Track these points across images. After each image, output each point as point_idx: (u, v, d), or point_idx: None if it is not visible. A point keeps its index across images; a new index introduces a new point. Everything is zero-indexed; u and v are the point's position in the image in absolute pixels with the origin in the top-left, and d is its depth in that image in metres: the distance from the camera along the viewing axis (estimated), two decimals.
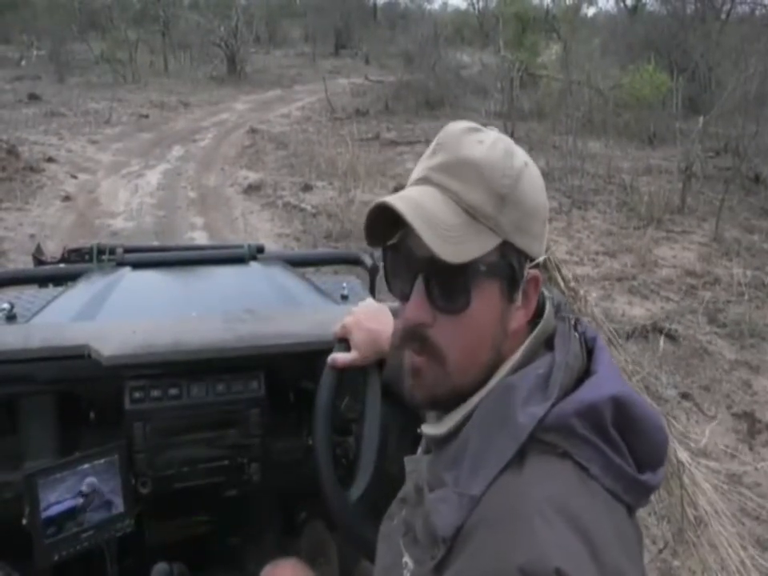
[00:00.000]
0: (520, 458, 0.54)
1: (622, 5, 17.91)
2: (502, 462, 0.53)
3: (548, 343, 0.60)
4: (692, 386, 3.13)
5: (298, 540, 1.16)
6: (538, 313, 0.62)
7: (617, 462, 0.54)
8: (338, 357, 0.90)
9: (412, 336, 0.60)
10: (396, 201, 0.58)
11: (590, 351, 0.61)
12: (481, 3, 25.70)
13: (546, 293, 0.64)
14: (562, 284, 0.53)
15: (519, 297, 0.59)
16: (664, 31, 11.94)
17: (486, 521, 0.51)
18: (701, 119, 6.48)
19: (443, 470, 0.58)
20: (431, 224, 0.56)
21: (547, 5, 16.32)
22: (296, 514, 1.26)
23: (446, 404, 0.62)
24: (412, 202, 0.57)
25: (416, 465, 0.66)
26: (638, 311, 4.02)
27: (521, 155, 0.61)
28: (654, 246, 5.20)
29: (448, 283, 0.57)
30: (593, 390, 0.55)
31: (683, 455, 1.33)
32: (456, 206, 0.57)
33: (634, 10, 16.86)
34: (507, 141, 0.61)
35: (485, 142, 0.59)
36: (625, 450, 0.55)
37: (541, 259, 0.59)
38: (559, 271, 0.52)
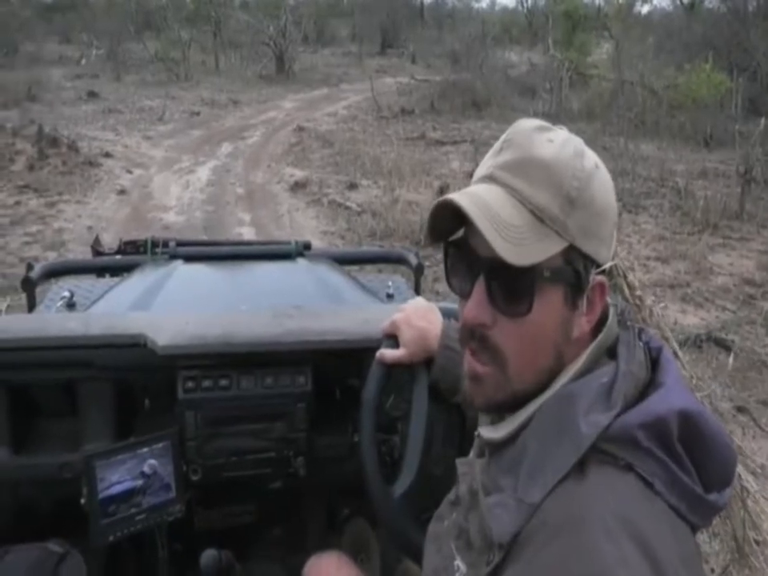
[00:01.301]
0: (581, 467, 0.52)
1: (678, 2, 17.34)
2: (562, 471, 0.52)
3: (611, 352, 0.58)
4: (749, 400, 3.00)
5: (340, 536, 1.16)
6: (602, 320, 0.60)
7: (683, 478, 0.52)
8: (387, 353, 0.89)
9: (471, 335, 0.59)
10: (461, 198, 0.56)
11: (654, 362, 0.59)
12: (530, 1, 25.33)
13: (609, 300, 0.61)
14: (627, 292, 0.51)
15: (584, 304, 0.57)
16: (723, 29, 11.48)
17: (546, 528, 0.50)
18: (762, 121, 6.20)
19: (500, 475, 0.57)
20: (495, 224, 0.54)
21: (598, 3, 15.98)
22: (339, 510, 1.27)
23: (504, 408, 0.61)
24: (478, 199, 0.56)
25: (469, 467, 0.65)
26: (692, 320, 3.88)
27: (591, 156, 0.59)
28: (709, 252, 5.01)
29: (510, 286, 0.56)
30: (660, 403, 0.53)
31: (745, 474, 1.27)
32: (522, 206, 0.56)
33: (691, 7, 16.27)
34: (577, 141, 0.59)
35: (555, 141, 0.57)
36: (691, 467, 0.53)
37: (608, 265, 0.57)
38: (625, 278, 0.50)
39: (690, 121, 9.07)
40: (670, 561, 0.47)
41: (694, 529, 0.54)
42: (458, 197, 0.57)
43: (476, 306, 0.57)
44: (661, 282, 4.40)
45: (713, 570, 1.74)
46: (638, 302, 0.50)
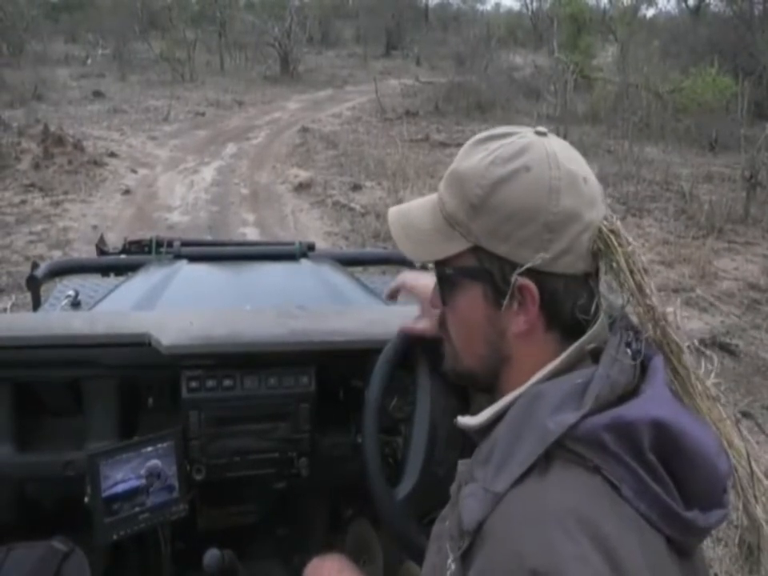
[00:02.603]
0: (547, 463, 0.53)
1: (683, 6, 17.32)
2: (526, 464, 0.53)
3: (596, 356, 0.58)
4: (753, 405, 2.99)
5: (343, 536, 1.17)
6: (586, 323, 0.60)
7: (653, 487, 0.51)
8: (415, 325, 0.89)
9: (440, 318, 0.69)
10: (392, 210, 0.69)
11: (644, 370, 0.58)
12: (535, 4, 25.31)
13: (604, 303, 0.61)
14: (637, 295, 0.51)
15: (513, 303, 0.59)
16: (729, 33, 11.47)
17: (505, 520, 0.51)
18: None
19: (476, 466, 0.58)
20: (405, 228, 0.66)
21: (604, 6, 15.96)
22: (342, 511, 1.27)
23: (473, 384, 0.67)
24: (406, 207, 0.69)
25: (466, 467, 0.67)
26: (696, 324, 3.87)
27: (520, 161, 0.59)
28: (714, 256, 5.00)
29: (437, 279, 0.66)
30: (632, 409, 0.52)
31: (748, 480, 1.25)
32: (439, 212, 0.64)
33: (697, 11, 16.25)
34: (512, 149, 0.60)
35: (483, 152, 0.61)
36: (667, 479, 0.52)
37: (530, 264, 0.57)
38: (634, 280, 0.49)
39: (695, 124, 9.05)
40: (633, 565, 0.47)
41: (674, 542, 0.52)
42: (392, 209, 0.69)
43: (433, 294, 0.71)
44: (665, 287, 4.39)
45: (716, 575, 1.73)
46: (648, 303, 0.50)
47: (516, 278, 0.58)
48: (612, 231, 0.59)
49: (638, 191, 6.51)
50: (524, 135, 0.62)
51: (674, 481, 0.52)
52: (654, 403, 0.53)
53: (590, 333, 0.58)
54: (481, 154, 0.61)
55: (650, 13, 20.27)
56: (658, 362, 0.58)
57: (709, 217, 5.74)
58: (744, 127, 7.66)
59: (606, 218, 0.60)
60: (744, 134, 7.26)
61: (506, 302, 0.59)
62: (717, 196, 6.18)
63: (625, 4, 14.43)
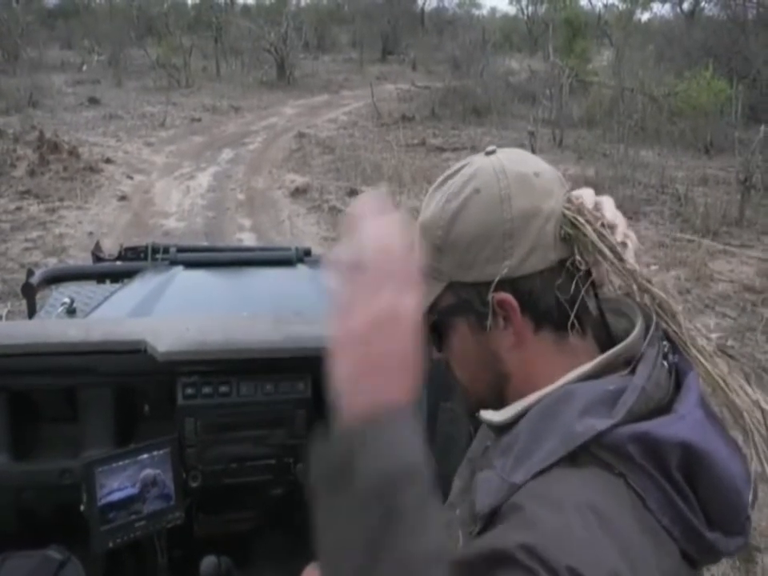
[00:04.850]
0: (572, 461, 0.52)
1: (678, 10, 17.43)
2: (547, 462, 0.52)
3: (633, 367, 0.56)
4: None
5: None
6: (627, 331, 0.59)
7: (678, 503, 0.50)
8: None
9: (444, 364, 0.68)
10: None
11: (678, 386, 0.57)
12: (530, 9, 25.45)
13: (639, 312, 0.60)
14: (648, 301, 0.50)
15: (498, 320, 0.59)
16: (723, 37, 11.53)
17: (523, 498, 0.50)
18: (762, 128, 6.22)
19: (495, 456, 0.58)
20: None
21: (599, 10, 16.05)
22: None
23: (484, 408, 0.64)
24: None
25: (474, 454, 0.68)
26: (700, 329, 3.88)
27: (470, 188, 0.60)
28: (709, 259, 5.01)
29: (429, 332, 0.64)
30: (662, 428, 0.51)
31: None
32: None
33: (692, 15, 16.36)
34: (461, 180, 0.61)
35: (439, 195, 0.62)
36: (691, 497, 0.51)
37: (498, 278, 0.57)
38: (641, 285, 0.49)
39: (690, 128, 9.09)
40: (645, 564, 0.47)
41: (690, 560, 0.52)
42: None
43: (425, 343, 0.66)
44: (661, 290, 4.40)
45: None
46: (628, 267, 0.49)
47: (492, 296, 0.58)
48: (577, 211, 0.59)
49: (633, 194, 6.53)
50: (472, 163, 0.63)
51: (698, 503, 0.51)
52: (684, 424, 0.52)
53: (627, 343, 0.57)
54: (437, 197, 0.63)
55: (645, 17, 20.35)
56: (692, 378, 0.56)
57: (704, 219, 5.76)
58: (738, 130, 7.70)
59: (569, 200, 0.60)
60: (738, 137, 7.30)
61: (490, 323, 0.59)
62: (712, 199, 6.21)
63: (620, 8, 14.52)
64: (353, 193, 6.57)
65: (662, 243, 5.36)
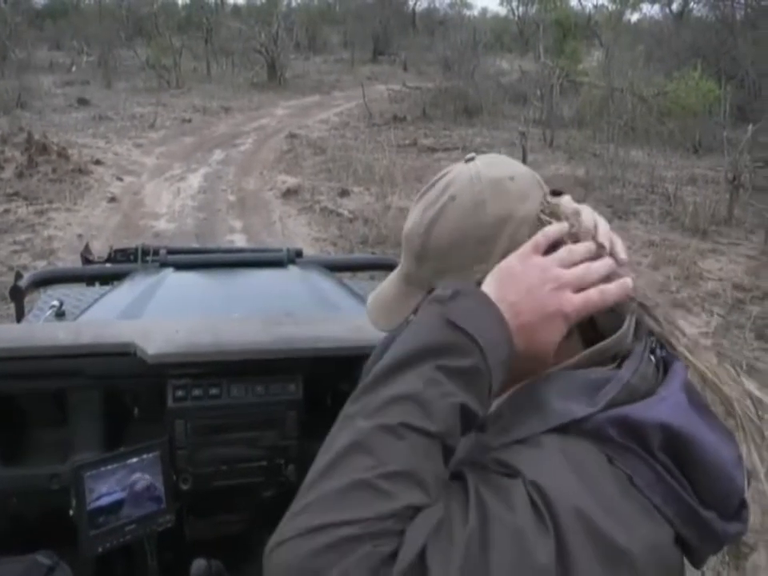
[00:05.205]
0: (554, 431, 0.52)
1: (667, 11, 17.55)
2: (526, 434, 0.52)
3: (620, 363, 0.56)
4: None
5: None
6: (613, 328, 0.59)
7: (667, 479, 0.49)
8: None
9: None
10: (373, 294, 0.70)
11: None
12: (521, 9, 25.54)
13: (628, 311, 0.59)
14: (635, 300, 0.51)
15: None
16: (712, 38, 11.64)
17: (502, 451, 0.51)
18: (750, 128, 6.27)
19: (480, 437, 0.58)
20: (376, 304, 0.68)
21: (589, 11, 16.14)
22: None
23: None
24: (377, 289, 0.70)
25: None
26: (682, 325, 3.91)
27: (446, 195, 0.61)
28: (698, 258, 5.05)
29: None
30: (642, 410, 0.51)
31: None
32: (402, 276, 0.67)
33: (680, 15, 16.48)
34: (439, 188, 0.62)
35: (419, 205, 0.64)
36: (681, 476, 0.50)
37: (477, 279, 0.57)
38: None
39: (679, 128, 9.15)
40: (626, 518, 0.47)
41: (687, 549, 0.51)
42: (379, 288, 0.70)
43: None
44: (651, 288, 4.43)
45: (703, 574, 1.73)
46: (640, 306, 0.49)
47: None
48: (552, 214, 0.59)
49: (623, 194, 6.57)
50: (450, 170, 0.64)
51: (689, 485, 0.50)
52: (665, 406, 0.51)
53: (614, 338, 0.57)
54: (418, 207, 0.64)
55: (635, 18, 20.48)
56: (678, 366, 0.56)
57: (693, 218, 5.80)
58: (727, 130, 7.76)
59: (544, 203, 0.60)
60: (727, 137, 7.36)
61: None
62: (701, 198, 6.26)
63: (609, 9, 14.60)
64: (344, 194, 6.56)
65: (651, 242, 5.40)
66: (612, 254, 0.58)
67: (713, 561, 1.71)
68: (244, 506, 1.20)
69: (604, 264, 0.57)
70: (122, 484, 0.97)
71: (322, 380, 1.17)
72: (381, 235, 5.18)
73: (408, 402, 0.47)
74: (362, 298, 1.67)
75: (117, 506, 0.96)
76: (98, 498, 0.95)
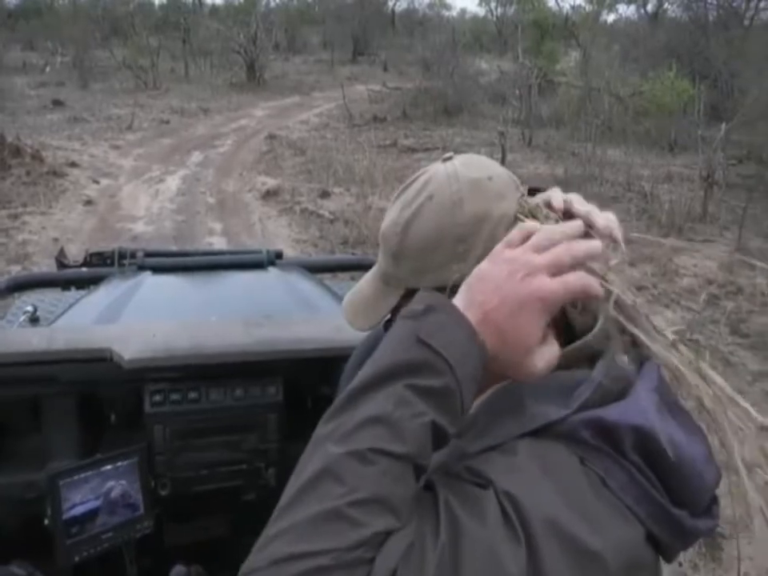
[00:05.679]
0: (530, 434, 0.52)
1: (642, 11, 17.82)
2: (502, 440, 0.52)
3: (592, 360, 0.56)
4: None
5: None
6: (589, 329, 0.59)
7: (639, 479, 0.50)
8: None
9: None
10: (350, 293, 0.70)
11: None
12: (499, 10, 25.72)
13: (601, 310, 0.59)
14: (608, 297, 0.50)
15: None
16: (686, 38, 11.84)
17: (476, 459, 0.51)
18: (723, 126, 6.40)
19: (455, 441, 0.57)
20: (353, 304, 0.68)
21: (566, 12, 16.31)
22: None
23: None
24: (358, 284, 0.70)
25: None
26: (658, 321, 3.96)
27: (424, 195, 0.61)
28: (674, 254, 5.13)
29: None
30: (614, 412, 0.51)
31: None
32: (379, 275, 0.66)
33: (655, 16, 16.74)
34: (416, 188, 0.62)
35: (396, 204, 0.64)
36: (652, 476, 0.50)
37: (451, 283, 0.57)
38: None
39: (654, 127, 9.31)
40: (601, 522, 0.47)
41: (658, 546, 0.52)
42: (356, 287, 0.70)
43: None
44: (628, 285, 4.49)
45: (681, 564, 1.77)
46: (614, 304, 0.49)
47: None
48: (529, 213, 0.59)
49: (601, 192, 6.65)
50: (428, 170, 0.64)
51: (660, 484, 0.51)
52: (636, 409, 0.51)
53: (587, 338, 0.56)
54: (395, 206, 0.64)
55: (611, 18, 20.78)
56: (650, 366, 0.56)
57: (669, 216, 5.90)
58: (701, 129, 7.91)
59: (522, 203, 0.60)
60: (701, 135, 7.50)
61: None
62: (676, 195, 6.37)
63: (586, 10, 14.78)
64: (324, 194, 6.55)
65: (629, 240, 5.45)
66: (602, 234, 0.56)
67: (690, 553, 1.75)
68: (224, 510, 1.19)
69: (588, 245, 0.54)
70: (96, 492, 0.95)
71: (302, 382, 1.17)
72: (361, 236, 5.17)
73: (378, 425, 0.47)
74: (342, 299, 1.67)
75: (92, 514, 0.95)
76: (76, 506, 0.93)
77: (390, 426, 0.46)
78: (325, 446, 0.47)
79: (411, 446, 0.46)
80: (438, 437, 0.49)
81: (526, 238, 0.54)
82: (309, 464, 0.47)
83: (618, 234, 0.58)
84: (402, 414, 0.46)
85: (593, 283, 0.53)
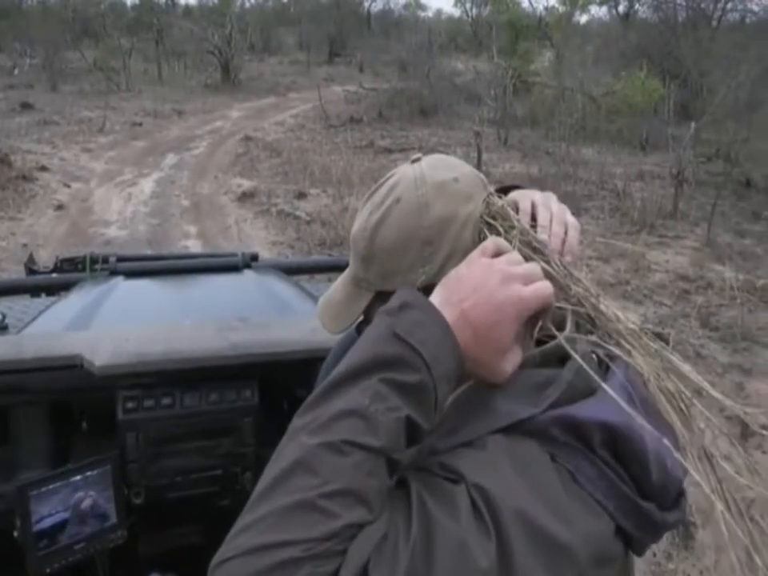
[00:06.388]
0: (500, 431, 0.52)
1: (614, 12, 18.10)
2: (471, 438, 0.52)
3: (562, 360, 0.57)
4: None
5: None
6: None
7: (608, 474, 0.51)
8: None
9: None
10: (323, 297, 0.70)
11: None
12: (474, 11, 25.89)
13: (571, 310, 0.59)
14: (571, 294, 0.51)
15: None
16: (656, 38, 12.06)
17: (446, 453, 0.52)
18: (692, 125, 6.54)
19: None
20: (326, 307, 0.68)
21: (540, 12, 16.49)
22: None
23: None
24: (331, 289, 0.70)
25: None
26: (631, 316, 4.03)
27: (391, 198, 0.61)
28: (646, 250, 5.23)
29: None
30: (582, 410, 0.52)
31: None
32: (351, 279, 0.67)
33: (626, 17, 17.01)
34: (384, 191, 0.63)
35: (365, 207, 0.64)
36: (621, 470, 0.52)
37: (418, 284, 0.58)
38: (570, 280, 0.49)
39: (626, 126, 9.46)
40: (573, 516, 0.47)
41: (628, 540, 0.52)
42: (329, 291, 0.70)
43: None
44: (602, 281, 4.56)
45: (655, 555, 1.81)
46: (578, 303, 0.49)
47: None
48: (496, 214, 0.60)
49: (575, 191, 6.74)
50: (396, 172, 0.64)
51: (629, 479, 0.52)
52: (604, 406, 0.52)
53: (553, 342, 0.57)
54: (364, 210, 0.64)
55: (584, 19, 21.02)
56: (618, 364, 0.57)
57: (641, 213, 6.01)
58: (671, 127, 8.08)
59: (488, 203, 0.61)
60: (672, 134, 7.66)
61: None
62: (648, 193, 6.49)
63: (560, 11, 14.95)
64: (301, 196, 6.52)
65: (602, 237, 5.56)
66: (561, 252, 0.59)
67: (664, 543, 1.78)
68: (200, 516, 1.18)
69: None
70: (65, 504, 0.93)
71: (278, 385, 1.16)
72: (339, 237, 5.16)
73: (352, 418, 0.47)
74: (318, 300, 1.66)
75: (60, 526, 0.93)
76: (45, 518, 0.91)
77: (364, 420, 0.47)
78: (299, 437, 0.47)
79: (385, 440, 0.47)
80: (413, 432, 0.49)
81: (500, 252, 0.56)
82: (283, 455, 0.47)
83: (573, 243, 0.60)
84: (377, 408, 0.47)
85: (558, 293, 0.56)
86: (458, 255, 0.59)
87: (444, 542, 0.44)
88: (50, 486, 0.92)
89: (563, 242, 0.61)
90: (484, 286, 0.53)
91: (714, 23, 12.82)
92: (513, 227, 0.59)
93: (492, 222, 0.60)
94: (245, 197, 6.54)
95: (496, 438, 0.51)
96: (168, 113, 11.40)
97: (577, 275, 0.59)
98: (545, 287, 0.55)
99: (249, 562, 0.42)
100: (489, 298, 0.53)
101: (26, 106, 10.98)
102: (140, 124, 10.33)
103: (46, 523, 0.92)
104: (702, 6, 12.85)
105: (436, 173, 0.61)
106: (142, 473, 1.03)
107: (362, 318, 0.66)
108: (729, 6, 13.01)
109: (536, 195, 0.65)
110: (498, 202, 0.62)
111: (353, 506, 0.44)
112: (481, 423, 0.53)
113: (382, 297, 0.61)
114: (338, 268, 2.20)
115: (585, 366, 0.54)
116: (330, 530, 0.43)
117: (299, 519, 0.43)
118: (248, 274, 1.72)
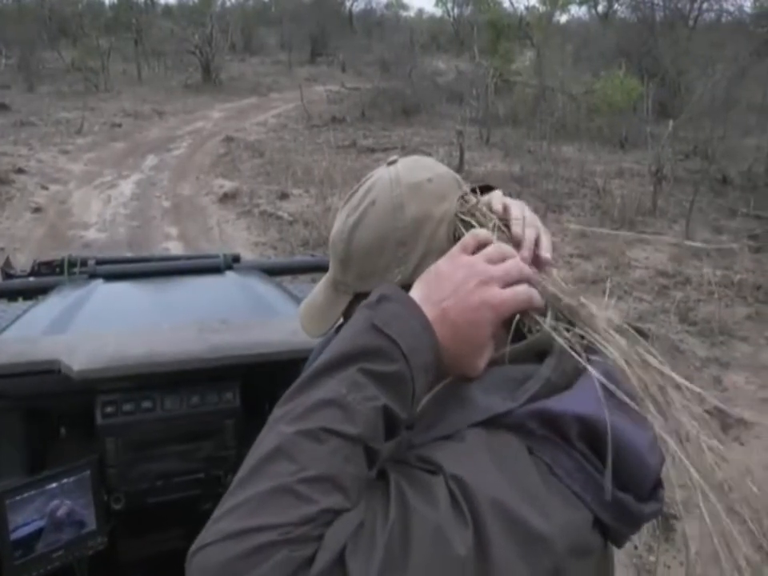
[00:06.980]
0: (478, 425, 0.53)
1: (593, 12, 18.29)
2: (448, 431, 0.53)
3: (541, 356, 0.58)
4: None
5: None
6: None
7: (585, 466, 0.51)
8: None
9: None
10: (305, 300, 0.71)
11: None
12: (456, 11, 25.96)
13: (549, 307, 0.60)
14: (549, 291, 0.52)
15: None
16: (634, 38, 12.20)
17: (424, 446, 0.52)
18: (670, 123, 6.63)
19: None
20: (307, 310, 0.69)
21: (521, 12, 16.59)
22: None
23: None
24: (311, 294, 0.71)
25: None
26: (611, 312, 4.08)
27: (367, 200, 0.62)
28: (626, 247, 5.29)
29: None
30: (559, 403, 0.53)
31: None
32: (330, 282, 0.67)
33: (606, 17, 17.21)
34: (360, 193, 0.63)
35: (343, 211, 0.65)
36: (598, 462, 0.52)
37: (397, 281, 0.59)
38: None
39: (606, 124, 9.57)
40: (552, 508, 0.48)
41: (606, 532, 0.53)
42: (310, 294, 0.71)
43: None
44: (584, 278, 4.61)
45: (636, 547, 1.83)
46: (554, 300, 0.50)
47: None
48: (469, 213, 0.61)
49: (556, 189, 6.80)
50: (373, 174, 0.65)
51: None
52: (580, 399, 0.53)
53: (537, 336, 0.57)
54: (342, 213, 0.65)
55: (564, 19, 21.16)
56: (596, 358, 0.57)
57: (621, 210, 6.08)
58: (650, 125, 8.18)
59: (462, 202, 0.62)
60: (650, 132, 7.76)
61: None
62: (628, 190, 6.57)
63: (540, 11, 15.06)
64: (283, 196, 6.49)
65: (583, 234, 5.62)
66: (535, 253, 0.60)
67: (645, 535, 1.80)
68: (181, 521, 1.16)
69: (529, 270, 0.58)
70: (40, 512, 0.92)
71: (259, 386, 1.15)
72: (321, 237, 5.15)
73: (330, 407, 0.48)
74: (301, 301, 1.66)
75: (36, 534, 0.91)
76: (20, 527, 0.90)
77: (342, 408, 0.47)
78: (278, 426, 0.48)
79: (363, 429, 0.47)
80: (390, 422, 0.50)
81: (480, 245, 0.57)
82: (262, 444, 0.48)
83: (547, 242, 0.61)
84: (355, 397, 0.48)
85: (535, 295, 0.57)
86: (433, 254, 0.59)
87: (421, 530, 0.45)
88: (26, 494, 0.91)
89: (537, 238, 0.61)
90: (463, 286, 0.54)
91: (691, 23, 13.01)
92: (487, 224, 0.60)
93: (467, 219, 0.60)
94: (226, 198, 6.50)
95: (475, 431, 0.52)
96: (148, 113, 11.28)
97: (554, 271, 0.60)
98: (523, 292, 0.56)
99: (227, 547, 0.42)
100: (467, 299, 0.54)
101: (2, 107, 10.80)
102: (119, 125, 10.21)
103: (23, 532, 0.90)
104: (679, 6, 13.04)
105: (411, 174, 0.62)
106: (122, 478, 1.02)
107: (341, 320, 0.66)
108: (705, 6, 13.21)
109: (507, 199, 0.66)
110: (473, 199, 0.62)
111: (330, 492, 0.45)
112: (459, 417, 0.54)
113: (360, 299, 0.61)
114: (321, 268, 2.20)
115: (570, 351, 0.55)
116: (307, 515, 0.43)
117: (276, 504, 0.44)
118: (230, 275, 1.71)
